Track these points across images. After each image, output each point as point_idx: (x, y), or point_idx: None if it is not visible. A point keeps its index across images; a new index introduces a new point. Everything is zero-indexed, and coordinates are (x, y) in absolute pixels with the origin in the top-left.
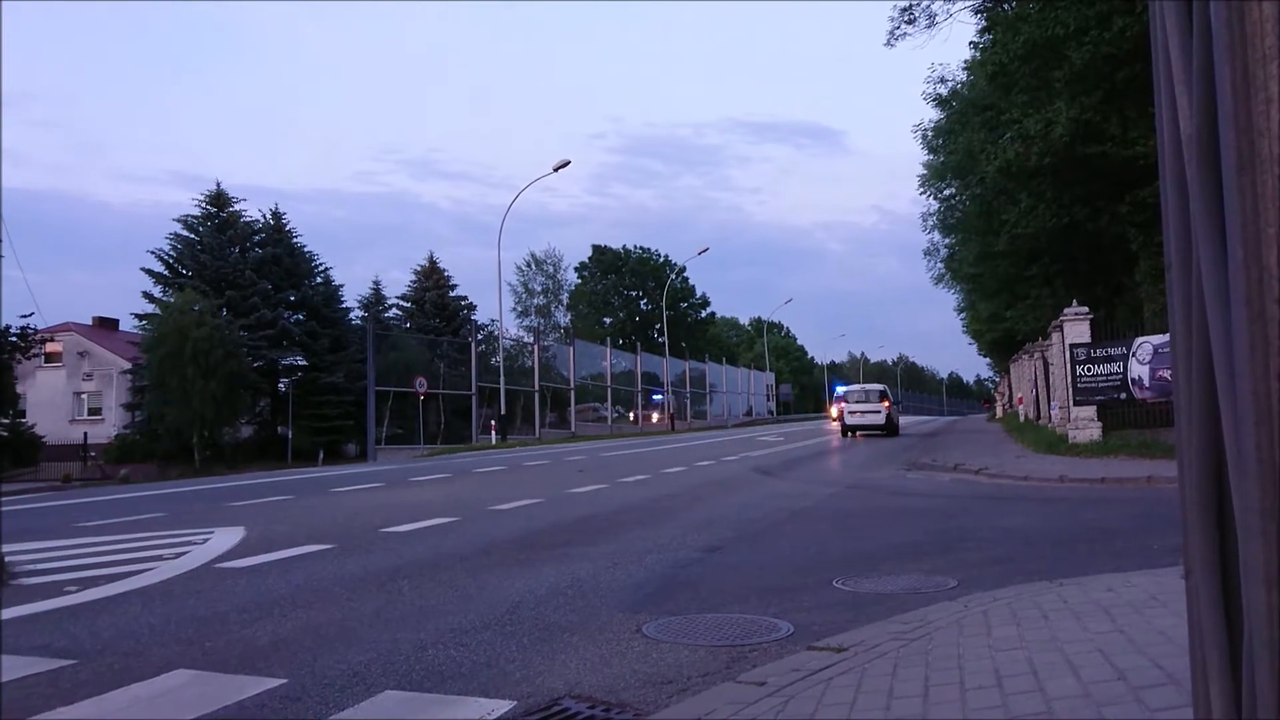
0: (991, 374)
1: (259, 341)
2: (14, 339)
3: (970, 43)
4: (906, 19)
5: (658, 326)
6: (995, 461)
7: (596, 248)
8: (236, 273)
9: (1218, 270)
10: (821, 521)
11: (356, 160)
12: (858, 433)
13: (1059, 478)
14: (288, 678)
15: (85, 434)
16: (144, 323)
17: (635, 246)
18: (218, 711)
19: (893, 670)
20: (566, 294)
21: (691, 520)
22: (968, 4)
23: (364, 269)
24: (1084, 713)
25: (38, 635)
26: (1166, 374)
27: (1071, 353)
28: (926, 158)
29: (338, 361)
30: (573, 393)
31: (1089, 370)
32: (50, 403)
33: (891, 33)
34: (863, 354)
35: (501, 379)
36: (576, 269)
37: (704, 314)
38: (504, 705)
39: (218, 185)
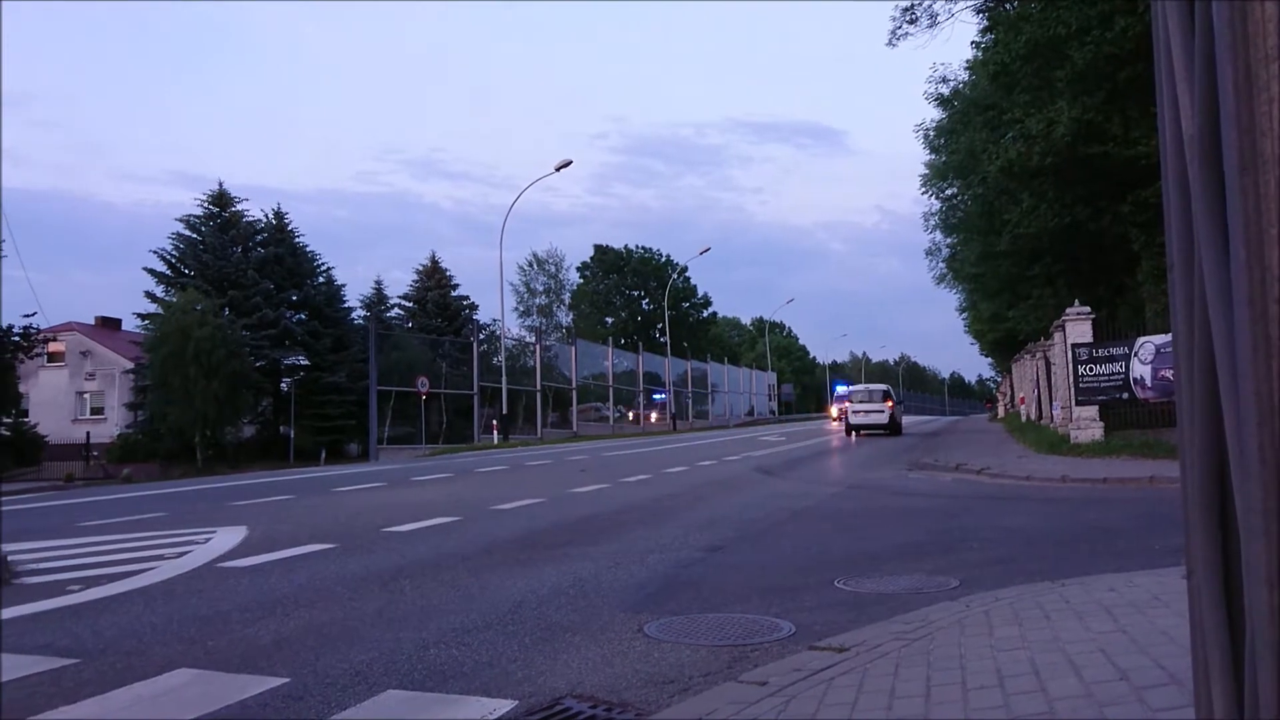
0: (993, 374)
1: (261, 341)
2: (16, 338)
3: (972, 42)
4: (908, 19)
5: (659, 326)
6: (997, 461)
7: (598, 247)
8: (239, 272)
9: (1220, 270)
10: (823, 521)
11: (358, 160)
12: (861, 432)
13: (1061, 478)
14: (290, 677)
15: (88, 433)
16: (146, 322)
17: (637, 246)
18: (220, 710)
19: (894, 670)
20: (568, 294)
21: (693, 520)
22: (969, 4)
23: (366, 269)
24: (1086, 713)
25: (40, 634)
26: (1169, 374)
27: (1073, 353)
28: (928, 157)
29: (340, 361)
30: (574, 392)
31: (1091, 370)
32: (53, 402)
33: (893, 32)
34: (864, 354)
35: (503, 379)
36: (578, 269)
37: (706, 314)
38: (506, 705)
39: (220, 185)
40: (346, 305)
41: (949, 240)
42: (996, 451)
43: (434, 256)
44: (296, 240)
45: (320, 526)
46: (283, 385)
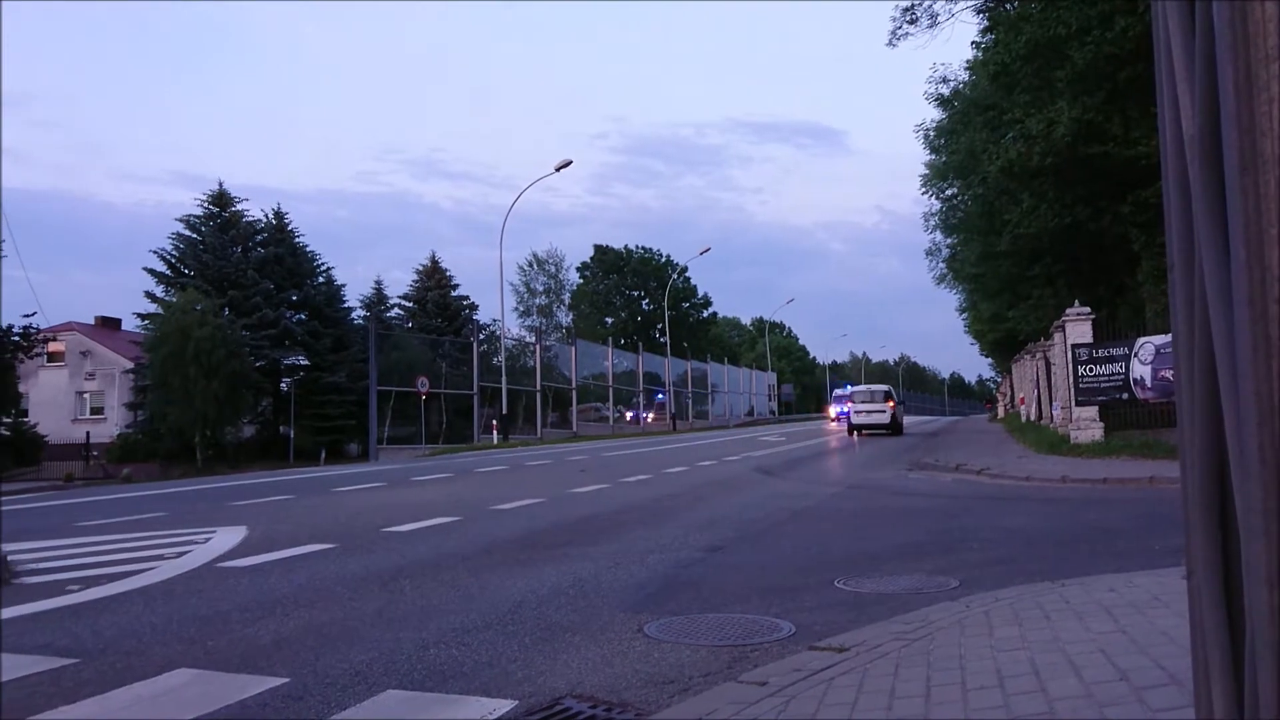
0: (993, 374)
1: (261, 341)
2: (16, 338)
3: (972, 42)
4: (908, 19)
5: (659, 326)
6: (997, 462)
7: (598, 248)
8: (239, 272)
9: (1220, 270)
10: (823, 521)
11: (358, 160)
12: (863, 431)
13: (1061, 478)
14: (290, 677)
15: (87, 433)
16: (146, 322)
17: (637, 246)
18: (220, 710)
19: (894, 670)
20: (568, 294)
21: (693, 520)
22: (970, 4)
23: (366, 269)
24: (1086, 713)
25: (40, 634)
26: (1169, 374)
27: (1073, 353)
28: (928, 157)
29: (340, 361)
30: (574, 392)
31: (1091, 370)
32: (52, 402)
33: (893, 33)
34: (864, 354)
35: (503, 379)
36: (578, 269)
37: (706, 314)
38: (506, 705)
39: (220, 185)
40: (346, 305)
41: (949, 240)
42: (996, 452)
43: (434, 256)
44: (296, 240)
45: (320, 526)
46: (283, 385)
